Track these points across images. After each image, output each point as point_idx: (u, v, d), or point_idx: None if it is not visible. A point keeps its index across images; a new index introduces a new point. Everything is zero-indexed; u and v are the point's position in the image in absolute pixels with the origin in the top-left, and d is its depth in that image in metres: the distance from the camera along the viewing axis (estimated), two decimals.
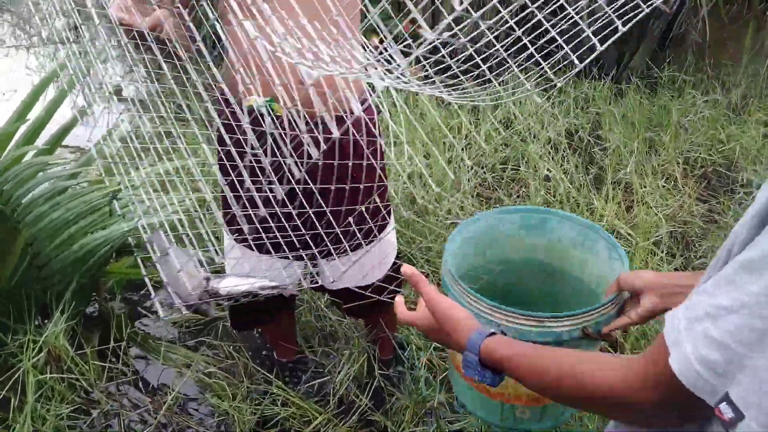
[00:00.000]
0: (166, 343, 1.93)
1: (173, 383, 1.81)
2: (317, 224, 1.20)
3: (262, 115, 1.10)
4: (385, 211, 1.48)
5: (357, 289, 1.32)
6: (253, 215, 1.06)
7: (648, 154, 2.91)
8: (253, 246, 1.22)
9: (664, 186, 2.67)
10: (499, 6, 0.91)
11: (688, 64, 3.67)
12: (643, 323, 1.11)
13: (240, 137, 1.13)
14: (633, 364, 0.64)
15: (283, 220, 1.11)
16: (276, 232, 1.13)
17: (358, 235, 1.23)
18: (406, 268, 0.95)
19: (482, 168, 2.74)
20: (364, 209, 1.31)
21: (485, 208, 2.50)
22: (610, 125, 3.09)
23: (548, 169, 2.66)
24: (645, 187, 2.62)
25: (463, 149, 2.82)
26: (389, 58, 0.86)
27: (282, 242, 1.13)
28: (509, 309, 1.09)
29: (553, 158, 2.78)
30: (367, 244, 1.33)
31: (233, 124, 1.19)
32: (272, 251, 1.14)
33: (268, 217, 1.07)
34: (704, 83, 3.56)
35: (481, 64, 1.08)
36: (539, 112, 3.18)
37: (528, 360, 0.77)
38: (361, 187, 1.31)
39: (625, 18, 0.90)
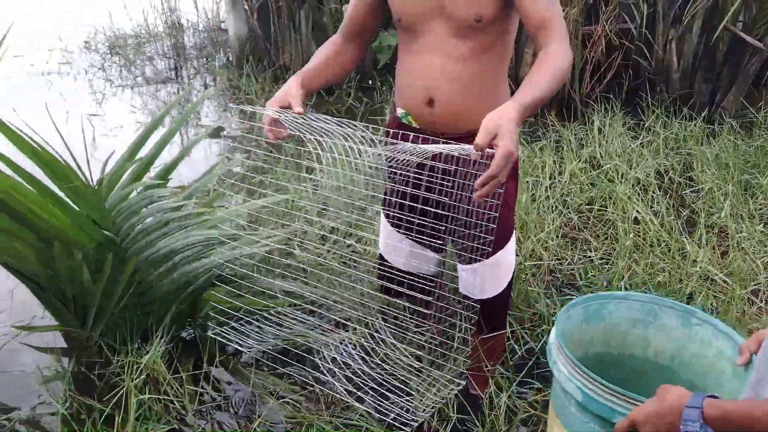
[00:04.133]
0: (255, 370, 2.00)
1: (260, 409, 1.87)
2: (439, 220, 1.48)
3: (402, 123, 1.52)
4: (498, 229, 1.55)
5: (467, 295, 1.62)
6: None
7: (744, 197, 2.80)
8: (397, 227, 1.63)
9: (762, 231, 2.55)
10: None
11: None
12: None
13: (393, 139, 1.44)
14: None
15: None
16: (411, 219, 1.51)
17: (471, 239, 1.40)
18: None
19: (567, 207, 2.71)
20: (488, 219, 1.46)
21: (570, 249, 2.46)
22: (702, 167, 2.99)
23: (637, 211, 2.60)
24: (741, 231, 2.51)
25: (547, 188, 2.80)
26: None
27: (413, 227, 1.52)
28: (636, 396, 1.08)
29: (642, 199, 2.72)
30: (487, 257, 1.53)
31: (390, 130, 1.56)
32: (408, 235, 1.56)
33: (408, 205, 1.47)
34: None
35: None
36: (627, 151, 3.12)
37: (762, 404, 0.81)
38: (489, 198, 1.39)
39: None
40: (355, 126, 1.28)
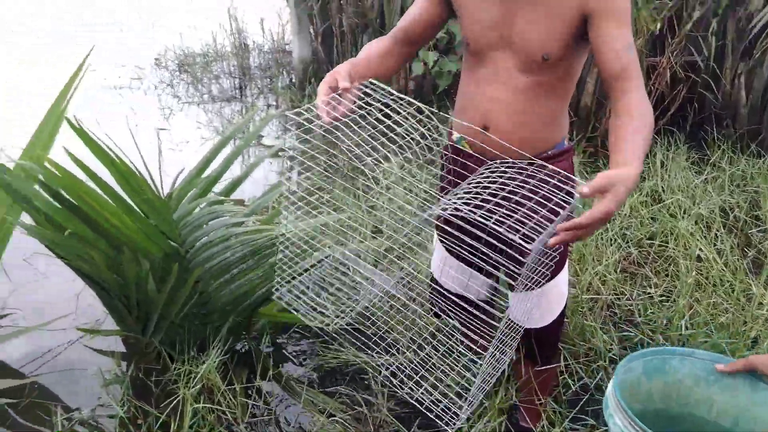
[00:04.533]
0: (306, 387, 2.02)
1: (308, 426, 1.89)
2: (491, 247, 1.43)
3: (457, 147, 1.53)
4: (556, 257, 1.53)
5: (521, 324, 1.57)
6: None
7: None
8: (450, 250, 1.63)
9: None
10: None
11: None
12: None
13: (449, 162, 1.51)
14: None
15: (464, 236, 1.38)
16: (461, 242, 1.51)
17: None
18: None
19: (627, 242, 2.66)
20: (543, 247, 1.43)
21: (629, 284, 2.41)
22: None
23: (700, 248, 2.53)
24: None
25: None
26: None
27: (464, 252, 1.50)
28: None
29: (705, 237, 2.64)
30: (538, 287, 1.52)
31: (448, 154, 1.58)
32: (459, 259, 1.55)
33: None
34: None
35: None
36: (690, 186, 3.05)
37: None
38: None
39: None
40: (412, 114, 1.27)
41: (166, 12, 6.61)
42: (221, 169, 2.10)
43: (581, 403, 1.83)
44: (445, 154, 1.59)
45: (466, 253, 1.54)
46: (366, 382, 2.04)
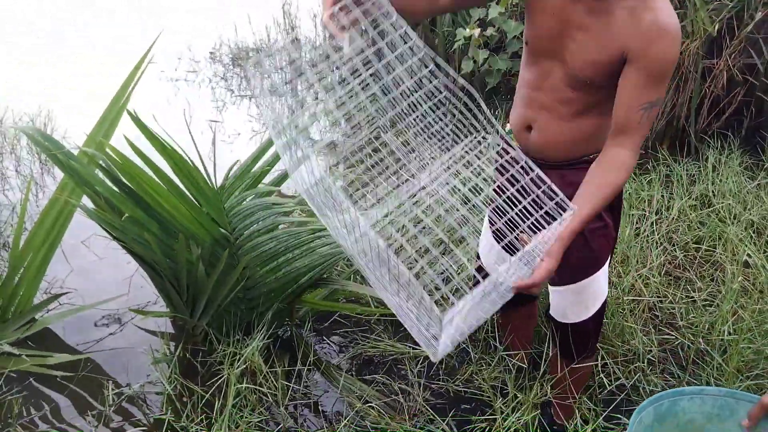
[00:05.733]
0: (344, 374, 2.08)
1: (345, 411, 1.95)
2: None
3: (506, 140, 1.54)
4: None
5: (556, 318, 1.67)
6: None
7: None
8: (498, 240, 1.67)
9: None
10: None
11: None
12: None
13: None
14: None
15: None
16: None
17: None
18: None
19: (673, 245, 2.62)
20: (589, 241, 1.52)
21: (672, 287, 2.38)
22: None
23: (748, 254, 2.48)
24: None
25: (653, 223, 2.72)
26: None
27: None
28: None
29: (755, 243, 2.58)
30: (573, 282, 1.58)
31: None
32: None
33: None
34: None
35: None
36: (742, 191, 2.98)
37: None
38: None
39: None
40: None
41: (222, 5, 6.79)
42: (272, 162, 2.18)
43: (616, 401, 1.83)
44: (500, 142, 1.63)
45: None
46: (402, 372, 2.08)
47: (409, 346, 2.12)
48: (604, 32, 1.32)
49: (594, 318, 1.64)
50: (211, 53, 5.59)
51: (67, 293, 2.48)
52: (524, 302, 1.89)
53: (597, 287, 1.62)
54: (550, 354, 1.81)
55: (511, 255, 1.54)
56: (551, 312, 1.73)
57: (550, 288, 1.68)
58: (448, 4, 1.45)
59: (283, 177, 2.25)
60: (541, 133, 1.51)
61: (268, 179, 2.22)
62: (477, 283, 1.10)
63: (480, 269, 1.80)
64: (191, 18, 6.62)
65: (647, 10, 1.28)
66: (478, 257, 1.83)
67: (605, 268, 1.62)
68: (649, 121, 1.34)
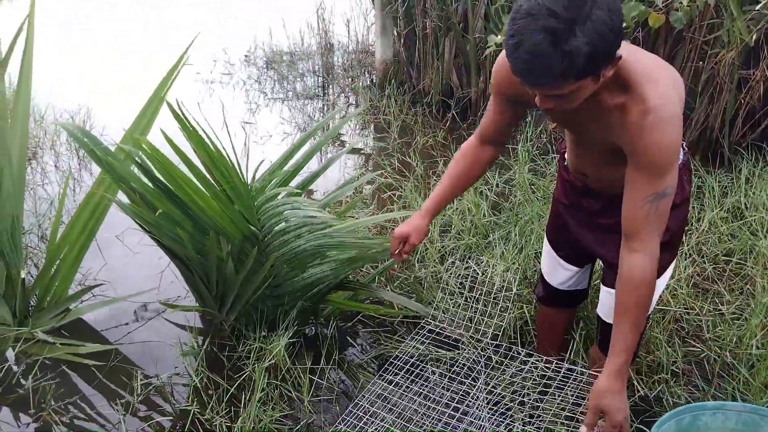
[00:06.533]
0: (365, 373, 2.10)
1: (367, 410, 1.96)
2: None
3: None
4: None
5: (602, 317, 1.75)
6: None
7: None
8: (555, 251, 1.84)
9: None
10: None
11: None
12: None
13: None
14: None
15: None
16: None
17: None
18: None
19: (702, 257, 2.59)
20: None
21: (700, 300, 2.35)
22: None
23: None
24: None
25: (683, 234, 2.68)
26: None
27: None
28: None
29: None
30: None
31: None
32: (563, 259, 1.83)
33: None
34: None
35: None
36: None
37: None
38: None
39: None
40: None
41: (256, 7, 6.90)
42: (301, 163, 2.22)
43: (640, 415, 1.82)
44: (560, 168, 1.76)
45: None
46: (425, 374, 2.09)
47: (432, 349, 2.13)
48: (604, 131, 1.35)
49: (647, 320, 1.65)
50: (245, 56, 5.68)
51: (100, 285, 2.56)
52: (568, 304, 1.96)
53: (658, 288, 1.62)
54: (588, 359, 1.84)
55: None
56: (598, 310, 1.77)
57: (603, 288, 1.71)
58: (493, 151, 1.65)
59: (313, 177, 2.29)
60: (594, 178, 1.59)
61: (297, 180, 2.26)
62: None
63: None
64: (194, 11, 6.73)
65: (635, 104, 1.25)
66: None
67: (662, 281, 1.63)
68: (660, 212, 1.30)
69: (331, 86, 5.10)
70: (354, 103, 4.80)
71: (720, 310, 2.27)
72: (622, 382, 1.32)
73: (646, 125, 1.23)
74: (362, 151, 3.97)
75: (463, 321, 2.02)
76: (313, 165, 3.04)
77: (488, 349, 1.92)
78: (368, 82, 5.05)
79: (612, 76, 1.23)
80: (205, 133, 1.74)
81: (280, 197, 2.04)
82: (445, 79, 4.32)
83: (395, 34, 4.58)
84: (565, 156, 1.69)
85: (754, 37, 3.18)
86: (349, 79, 5.14)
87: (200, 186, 1.79)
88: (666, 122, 1.23)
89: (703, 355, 2.10)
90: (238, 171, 1.78)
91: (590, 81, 1.17)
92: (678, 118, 1.25)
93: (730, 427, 1.29)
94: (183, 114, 1.67)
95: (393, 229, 2.69)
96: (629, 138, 1.27)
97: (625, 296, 1.33)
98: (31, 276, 2.50)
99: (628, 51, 1.25)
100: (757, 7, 3.02)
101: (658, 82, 1.25)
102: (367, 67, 5.25)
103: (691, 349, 2.12)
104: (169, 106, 1.68)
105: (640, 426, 1.80)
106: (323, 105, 4.77)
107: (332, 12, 5.38)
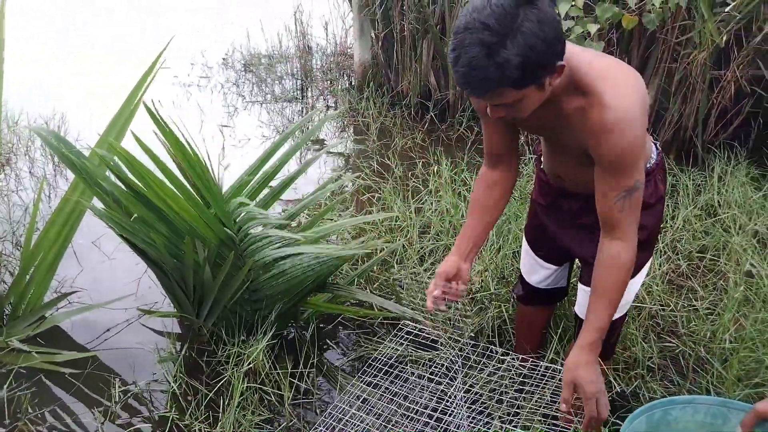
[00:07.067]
0: (345, 375, 2.10)
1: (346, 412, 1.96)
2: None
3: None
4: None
5: (580, 315, 1.73)
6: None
7: None
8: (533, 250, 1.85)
9: None
10: None
11: None
12: None
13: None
14: None
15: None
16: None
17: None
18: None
19: (677, 254, 2.63)
20: None
21: (675, 296, 2.39)
22: None
23: (752, 264, 2.48)
24: None
25: None
26: None
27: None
28: None
29: (759, 253, 2.58)
30: None
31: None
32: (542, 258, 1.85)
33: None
34: None
35: None
36: (748, 202, 2.98)
37: None
38: None
39: None
40: None
41: (221, 4, 6.89)
42: (278, 165, 2.21)
43: (617, 411, 1.84)
44: (537, 169, 1.77)
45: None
46: (404, 375, 2.10)
47: (411, 349, 2.14)
48: (570, 136, 1.38)
49: (614, 323, 1.65)
50: (223, 59, 5.65)
51: (76, 292, 2.53)
52: (547, 302, 1.99)
53: (635, 286, 1.66)
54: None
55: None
56: (576, 309, 1.79)
57: (581, 286, 1.73)
58: (505, 171, 1.64)
59: (290, 180, 2.28)
60: (571, 180, 1.60)
61: (274, 182, 2.26)
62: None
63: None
64: (190, 17, 6.69)
65: (593, 106, 1.28)
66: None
67: (638, 279, 1.65)
68: (634, 204, 1.35)
69: (309, 89, 5.10)
70: (333, 105, 4.81)
71: (694, 305, 2.31)
72: (594, 356, 1.37)
73: (607, 124, 1.26)
74: (341, 153, 3.98)
75: (441, 320, 2.03)
76: (292, 167, 3.03)
77: (466, 348, 1.93)
78: (347, 85, 5.06)
79: (568, 82, 1.28)
80: (181, 134, 1.73)
81: (253, 204, 2.04)
82: (423, 81, 4.33)
83: (373, 36, 4.59)
84: (542, 159, 1.71)
85: (725, 38, 3.24)
86: (328, 82, 5.14)
87: (175, 190, 1.78)
88: (626, 120, 1.26)
89: (678, 351, 2.13)
90: (213, 174, 1.77)
91: (534, 89, 1.22)
92: (638, 115, 1.27)
93: (699, 420, 1.31)
94: (158, 115, 1.66)
95: (373, 231, 2.70)
96: (593, 139, 1.30)
97: (605, 277, 1.38)
98: (5, 284, 2.46)
99: (585, 56, 1.30)
100: (726, 9, 3.08)
101: (615, 80, 1.28)
102: (346, 69, 5.26)
103: (667, 344, 2.16)
104: (146, 106, 1.68)
105: (616, 421, 1.82)
106: (302, 108, 4.76)
107: (310, 15, 5.37)
